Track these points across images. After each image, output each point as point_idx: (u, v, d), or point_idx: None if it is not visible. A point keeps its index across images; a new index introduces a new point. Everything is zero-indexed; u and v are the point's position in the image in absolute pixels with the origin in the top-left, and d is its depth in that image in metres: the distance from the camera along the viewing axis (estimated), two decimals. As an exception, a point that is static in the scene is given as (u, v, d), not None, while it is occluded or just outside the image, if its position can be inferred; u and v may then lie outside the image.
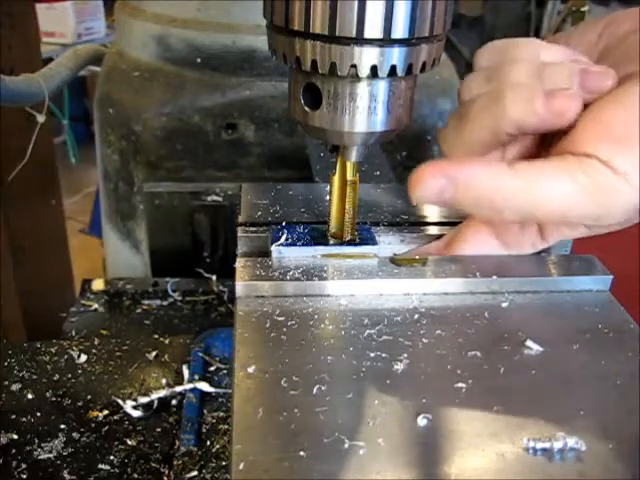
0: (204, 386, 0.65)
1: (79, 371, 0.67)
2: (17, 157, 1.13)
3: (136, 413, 0.62)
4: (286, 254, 0.47)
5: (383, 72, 0.40)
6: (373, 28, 0.38)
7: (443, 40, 0.43)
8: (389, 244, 0.52)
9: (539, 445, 0.33)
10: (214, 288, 0.90)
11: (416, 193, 0.43)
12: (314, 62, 0.40)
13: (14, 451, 0.57)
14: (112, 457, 0.57)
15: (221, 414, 0.63)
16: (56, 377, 0.66)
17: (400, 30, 0.39)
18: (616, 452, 0.33)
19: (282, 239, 0.48)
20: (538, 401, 0.36)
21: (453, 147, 0.46)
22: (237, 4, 0.91)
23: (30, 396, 0.63)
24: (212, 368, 0.69)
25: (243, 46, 0.93)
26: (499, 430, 0.34)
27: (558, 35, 0.51)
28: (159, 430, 0.61)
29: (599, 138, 0.40)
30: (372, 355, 0.39)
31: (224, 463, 0.57)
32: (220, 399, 0.65)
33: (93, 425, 0.60)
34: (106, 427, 0.60)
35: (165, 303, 0.88)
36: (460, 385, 0.37)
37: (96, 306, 0.87)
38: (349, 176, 0.48)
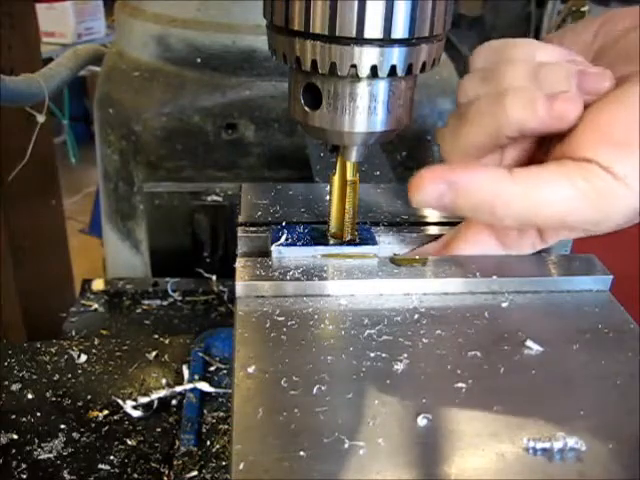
0: (204, 386, 0.65)
1: (79, 371, 0.67)
2: (17, 157, 1.13)
3: (136, 413, 0.62)
4: (286, 254, 0.47)
5: (383, 72, 0.40)
6: (373, 28, 0.38)
7: (443, 40, 0.43)
8: (389, 244, 0.52)
9: (539, 445, 0.33)
10: (214, 288, 0.90)
11: (416, 198, 0.43)
12: (314, 62, 0.40)
13: (14, 451, 0.57)
14: (112, 457, 0.57)
15: (221, 414, 0.63)
16: (56, 377, 0.66)
17: (400, 30, 0.39)
18: (616, 452, 0.33)
19: (282, 239, 0.48)
20: (538, 401, 0.36)
21: (451, 149, 0.46)
22: (237, 4, 0.91)
23: (30, 396, 0.63)
24: (212, 368, 0.69)
25: (243, 46, 0.93)
26: (499, 430, 0.34)
27: (552, 34, 0.51)
28: (159, 430, 0.61)
29: (598, 143, 0.40)
30: (372, 355, 0.39)
31: (224, 463, 0.57)
32: (220, 399, 0.65)
33: (93, 425, 0.60)
34: (106, 427, 0.60)
35: (165, 303, 0.88)
36: (460, 385, 0.37)
37: (96, 306, 0.87)
38: (349, 176, 0.48)
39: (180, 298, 0.89)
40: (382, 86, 0.42)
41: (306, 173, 0.75)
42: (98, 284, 0.91)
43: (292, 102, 0.45)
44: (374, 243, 0.49)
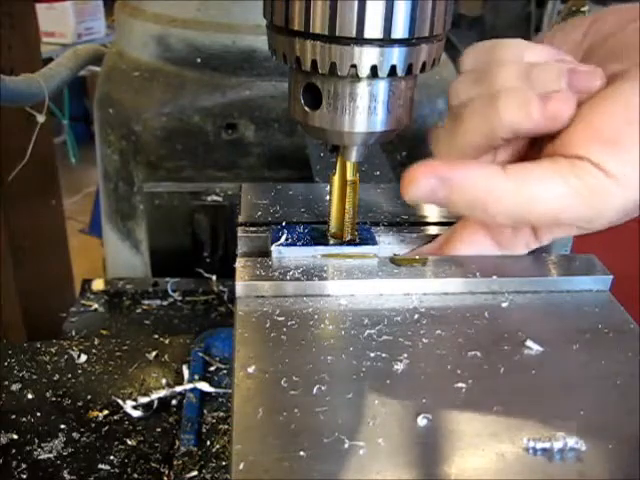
0: (204, 386, 0.65)
1: (79, 371, 0.67)
2: (17, 157, 1.13)
3: (136, 413, 0.62)
4: (286, 254, 0.47)
5: (383, 72, 0.40)
6: (373, 28, 0.38)
7: (443, 40, 0.43)
8: (389, 244, 0.52)
9: (539, 445, 0.33)
10: (214, 288, 0.90)
11: (409, 192, 0.43)
12: (314, 62, 0.40)
13: (14, 451, 0.57)
14: (112, 457, 0.57)
15: (221, 414, 0.63)
16: (56, 377, 0.66)
17: (400, 30, 0.39)
18: (616, 452, 0.33)
19: (282, 239, 0.48)
20: (538, 401, 0.36)
21: (446, 152, 0.46)
22: (237, 4, 0.91)
23: (30, 396, 0.63)
24: (212, 368, 0.69)
25: (243, 46, 0.93)
26: (499, 430, 0.34)
27: (542, 34, 0.51)
28: (159, 430, 0.61)
29: (590, 140, 0.40)
30: (372, 355, 0.39)
31: (224, 463, 0.57)
32: (220, 399, 0.65)
33: (93, 425, 0.61)
34: (106, 427, 0.60)
35: (165, 303, 0.88)
36: (460, 385, 0.37)
37: (96, 306, 0.87)
38: (349, 176, 0.48)
39: (180, 298, 0.89)
40: (382, 86, 0.42)
41: (306, 173, 0.75)
42: (98, 284, 0.91)
43: (292, 102, 0.45)
44: (374, 243, 0.49)
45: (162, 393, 0.64)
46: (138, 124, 0.96)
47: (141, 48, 0.99)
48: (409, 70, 0.41)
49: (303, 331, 0.41)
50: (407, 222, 0.54)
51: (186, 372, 0.67)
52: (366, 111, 0.43)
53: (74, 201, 3.46)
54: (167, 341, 0.73)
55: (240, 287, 0.44)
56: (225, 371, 0.68)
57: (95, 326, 0.83)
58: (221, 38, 0.93)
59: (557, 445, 0.33)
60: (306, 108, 0.44)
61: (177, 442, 0.59)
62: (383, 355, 0.39)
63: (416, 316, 0.43)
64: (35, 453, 0.57)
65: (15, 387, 0.64)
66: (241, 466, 0.31)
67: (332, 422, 0.34)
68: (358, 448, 0.32)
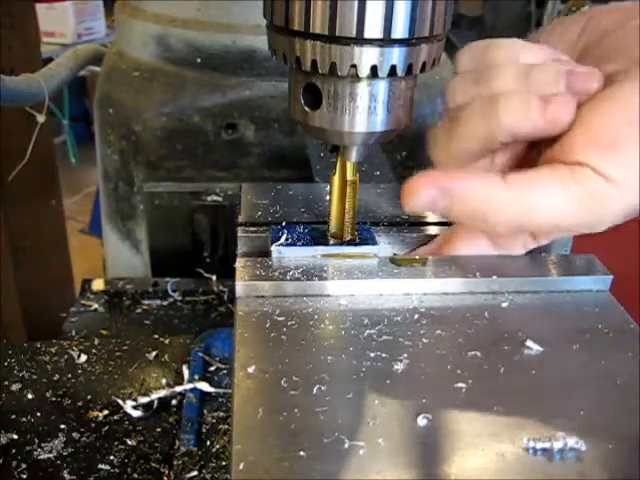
0: (204, 386, 0.65)
1: (79, 371, 0.67)
2: (17, 157, 1.13)
3: (136, 413, 0.62)
4: (286, 254, 0.47)
5: (383, 72, 0.40)
6: (373, 28, 0.38)
7: (443, 40, 0.43)
8: (389, 244, 0.52)
9: (539, 445, 0.33)
10: (214, 288, 0.90)
11: (409, 203, 0.42)
12: (314, 62, 0.40)
13: (14, 451, 0.57)
14: (112, 457, 0.57)
15: (221, 414, 0.63)
16: (56, 377, 0.66)
17: (400, 30, 0.39)
18: (616, 452, 0.33)
19: (282, 239, 0.48)
20: (538, 401, 0.36)
21: (444, 155, 0.46)
22: (237, 4, 0.91)
23: (30, 396, 0.63)
24: (212, 368, 0.69)
25: (243, 46, 0.93)
26: (499, 430, 0.34)
27: (538, 32, 0.50)
28: (159, 430, 0.61)
29: (589, 146, 0.39)
30: (372, 355, 0.39)
31: (224, 463, 0.57)
32: (220, 399, 0.65)
33: (93, 425, 0.61)
34: (106, 427, 0.60)
35: (165, 303, 0.88)
36: (460, 385, 0.37)
37: (96, 306, 0.87)
38: (349, 176, 0.48)
39: (180, 298, 0.89)
40: (382, 86, 0.42)
41: (306, 173, 0.75)
42: (98, 284, 0.91)
43: (292, 102, 0.45)
44: (374, 243, 0.49)
45: (162, 393, 0.64)
46: (138, 124, 0.96)
47: (141, 48, 0.99)
48: (409, 70, 0.41)
49: (303, 331, 0.41)
50: (407, 222, 0.54)
51: (186, 372, 0.67)
52: (366, 111, 0.43)
53: (74, 201, 3.46)
54: (167, 341, 0.73)
55: (240, 287, 0.44)
56: (225, 371, 0.68)
57: (95, 326, 0.83)
58: (221, 38, 0.93)
59: (557, 445, 0.33)
60: (306, 108, 0.44)
61: (177, 442, 0.59)
62: (383, 355, 0.39)
63: (416, 316, 0.43)
64: (35, 453, 0.57)
65: (15, 387, 0.64)
66: (241, 466, 0.31)
67: (332, 422, 0.34)
68: (358, 448, 0.32)
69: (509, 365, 0.39)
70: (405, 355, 0.39)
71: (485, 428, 0.34)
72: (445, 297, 0.45)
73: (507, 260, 0.48)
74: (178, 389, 0.65)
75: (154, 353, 0.71)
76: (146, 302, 0.88)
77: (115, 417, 0.62)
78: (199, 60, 0.95)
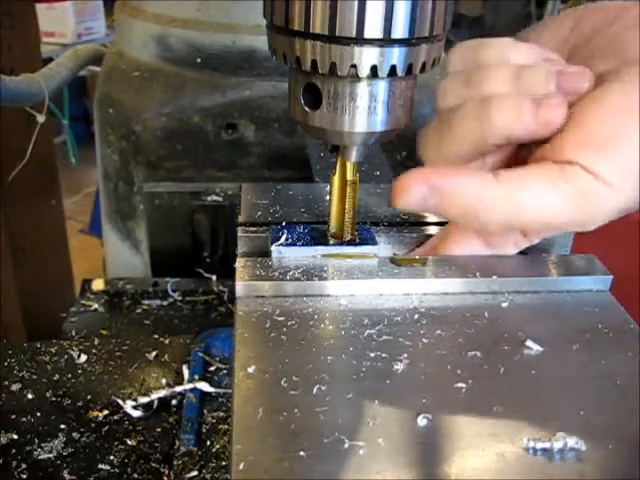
0: (204, 386, 0.65)
1: (79, 371, 0.67)
2: (17, 157, 1.13)
3: (136, 413, 0.62)
4: (286, 254, 0.47)
5: (383, 72, 0.40)
6: (373, 28, 0.38)
7: (443, 40, 0.43)
8: (389, 244, 0.52)
9: (539, 445, 0.33)
10: (214, 288, 0.90)
11: (400, 200, 0.42)
12: (314, 62, 0.40)
13: (14, 451, 0.57)
14: (112, 457, 0.57)
15: (221, 414, 0.63)
16: (56, 377, 0.66)
17: (400, 30, 0.39)
18: (616, 452, 0.33)
19: (282, 239, 0.48)
20: (538, 401, 0.36)
21: (435, 157, 0.46)
22: (237, 4, 0.91)
23: (30, 396, 0.63)
24: (212, 368, 0.69)
25: (243, 46, 0.93)
26: (499, 430, 0.34)
27: (529, 29, 0.50)
28: (159, 430, 0.61)
29: (579, 145, 0.39)
30: (372, 355, 0.39)
31: (224, 463, 0.57)
32: (220, 399, 0.65)
33: (93, 425, 0.60)
34: (106, 427, 0.60)
35: (165, 303, 0.88)
36: (460, 385, 0.37)
37: (96, 306, 0.87)
38: (349, 176, 0.48)
39: (180, 298, 0.89)
40: (382, 86, 0.42)
41: (306, 173, 0.75)
42: (98, 284, 0.91)
43: (292, 102, 0.45)
44: (374, 243, 0.49)
45: (162, 393, 0.64)
46: (138, 124, 0.96)
47: (141, 48, 0.99)
48: (409, 70, 0.41)
49: (303, 331, 0.41)
50: (407, 222, 0.54)
51: (186, 372, 0.67)
52: (366, 111, 0.43)
53: (74, 201, 3.46)
54: (167, 341, 0.73)
55: (240, 287, 0.44)
56: (225, 371, 0.68)
57: (95, 326, 0.83)
58: (221, 38, 0.93)
59: (557, 445, 0.33)
60: (306, 108, 0.44)
61: (177, 442, 0.59)
62: (383, 355, 0.39)
63: (416, 316, 0.43)
64: (35, 453, 0.57)
65: (15, 387, 0.64)
66: (241, 466, 0.31)
67: (332, 422, 0.34)
68: (358, 448, 0.32)
69: (509, 365, 0.39)
70: (405, 355, 0.39)
71: (485, 428, 0.34)
72: (445, 297, 0.45)
73: (507, 260, 0.48)
74: (178, 389, 0.65)
75: (154, 353, 0.71)
76: (146, 302, 0.88)
77: (115, 417, 0.62)
78: (199, 60, 0.95)
